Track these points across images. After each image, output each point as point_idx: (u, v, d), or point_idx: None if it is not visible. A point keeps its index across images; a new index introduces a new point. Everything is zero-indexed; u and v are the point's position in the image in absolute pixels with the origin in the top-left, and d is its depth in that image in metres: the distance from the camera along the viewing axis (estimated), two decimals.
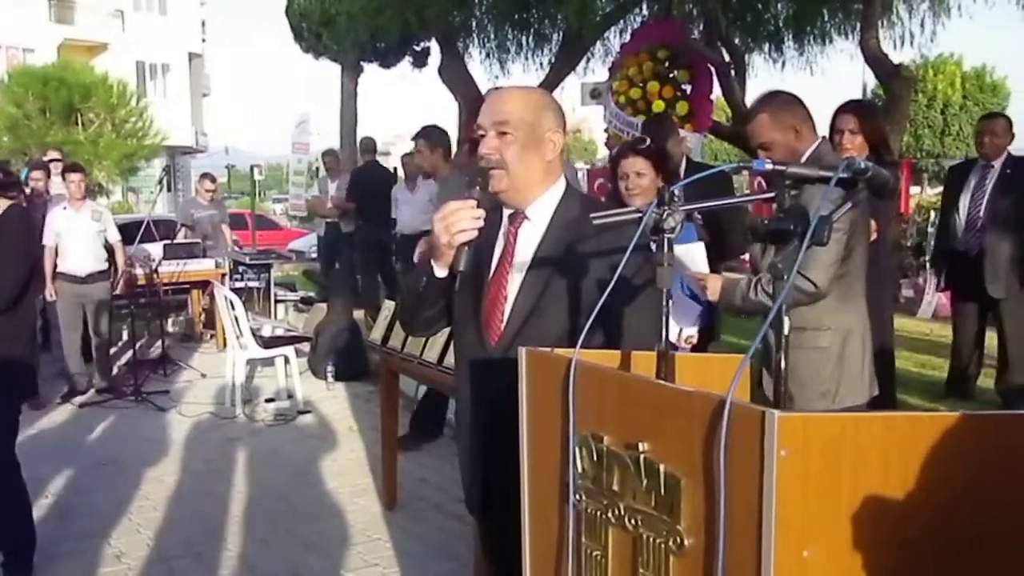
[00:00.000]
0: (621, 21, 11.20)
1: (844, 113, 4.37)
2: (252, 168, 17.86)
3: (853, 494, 1.29)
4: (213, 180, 10.48)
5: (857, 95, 26.71)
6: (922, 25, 9.69)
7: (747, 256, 4.61)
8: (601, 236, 2.04)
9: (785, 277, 1.38)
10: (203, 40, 38.88)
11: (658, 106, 8.39)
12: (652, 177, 3.61)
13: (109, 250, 7.56)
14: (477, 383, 2.21)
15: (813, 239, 1.39)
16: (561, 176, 2.22)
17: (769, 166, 1.67)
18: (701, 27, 9.94)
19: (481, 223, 2.02)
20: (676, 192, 1.63)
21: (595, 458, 1.58)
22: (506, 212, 2.23)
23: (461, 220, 2.00)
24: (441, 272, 2.12)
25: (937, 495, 1.33)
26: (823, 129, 4.08)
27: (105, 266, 7.48)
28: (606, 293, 1.64)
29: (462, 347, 2.33)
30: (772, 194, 1.61)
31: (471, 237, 2.01)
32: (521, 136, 2.11)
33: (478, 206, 2.02)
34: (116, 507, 4.83)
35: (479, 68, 26.11)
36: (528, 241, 2.18)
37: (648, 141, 4.03)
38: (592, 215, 1.84)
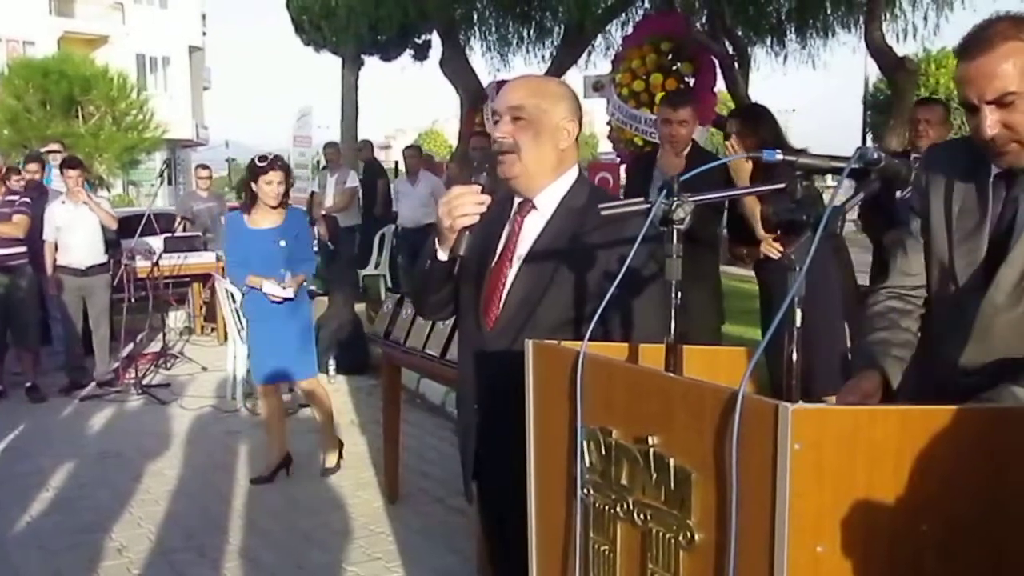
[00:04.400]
0: (623, 14, 11.17)
1: (730, 118, 4.69)
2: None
3: (868, 488, 1.27)
4: (206, 168, 10.49)
5: (860, 88, 26.67)
6: (925, 18, 9.68)
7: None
8: (603, 227, 2.03)
9: (798, 269, 1.35)
10: (203, 33, 38.77)
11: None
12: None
13: (108, 242, 7.54)
14: (473, 369, 2.24)
15: (826, 230, 1.37)
16: (574, 166, 2.23)
17: (779, 157, 1.64)
18: (704, 19, 9.91)
19: (484, 208, 2.02)
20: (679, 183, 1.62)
21: (603, 452, 1.56)
22: (516, 200, 2.23)
23: (464, 204, 2.01)
24: (443, 255, 2.13)
25: (954, 489, 1.32)
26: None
27: (105, 259, 7.47)
28: (614, 285, 1.63)
29: (462, 333, 2.37)
30: (783, 184, 1.58)
31: (472, 222, 2.02)
32: (535, 122, 2.11)
33: (483, 191, 2.02)
34: (117, 500, 4.82)
35: (480, 61, 26.10)
36: (532, 230, 2.19)
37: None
38: (600, 206, 1.82)
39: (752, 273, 4.89)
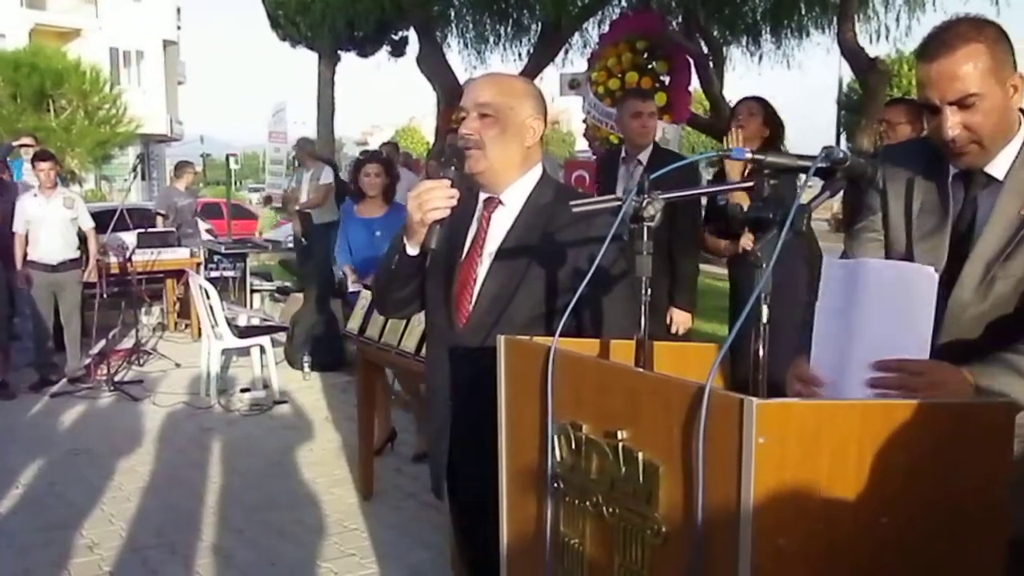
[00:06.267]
0: (599, 12, 11.21)
1: (747, 100, 4.61)
2: (228, 157, 17.70)
3: (830, 482, 1.29)
4: (190, 164, 10.41)
5: (834, 89, 26.87)
6: (898, 19, 9.79)
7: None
8: (572, 224, 2.06)
9: (764, 266, 1.38)
10: (178, 27, 38.43)
11: None
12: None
13: (82, 238, 7.49)
14: (444, 366, 2.24)
15: (792, 228, 1.39)
16: (539, 164, 2.25)
17: (748, 155, 1.67)
18: (680, 19, 9.97)
19: (454, 202, 2.04)
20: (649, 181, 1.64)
21: (574, 446, 1.58)
22: (482, 196, 2.25)
23: (434, 199, 2.02)
24: (413, 250, 2.14)
25: (915, 483, 1.34)
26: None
27: (77, 254, 7.40)
28: (584, 282, 1.65)
29: (432, 330, 2.37)
30: (751, 183, 1.61)
31: (443, 215, 2.03)
32: (501, 119, 2.13)
33: (452, 186, 2.04)
34: (89, 497, 4.78)
35: (457, 58, 26.10)
36: (500, 226, 2.21)
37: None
38: (572, 203, 1.84)
39: (722, 271, 4.94)
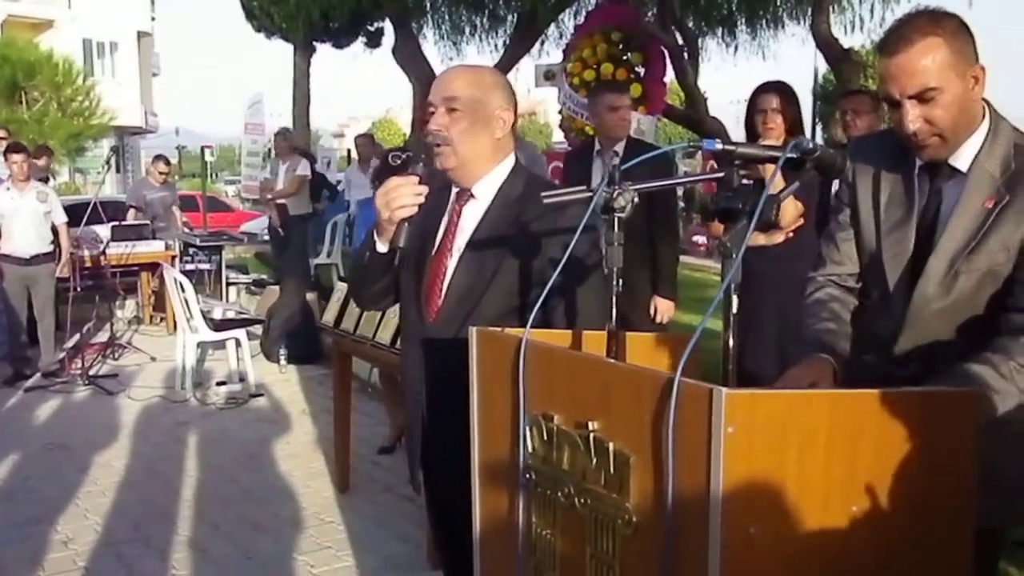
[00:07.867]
0: (575, 3, 11.19)
1: (767, 92, 4.06)
2: (203, 149, 17.57)
3: (799, 471, 1.30)
4: (167, 163, 10.33)
5: (809, 80, 26.95)
6: (872, 11, 9.83)
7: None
8: (543, 215, 2.05)
9: (734, 255, 1.38)
10: (152, 18, 38.07)
11: None
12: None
13: (55, 231, 7.41)
14: (416, 360, 2.24)
15: (761, 218, 1.40)
16: (511, 154, 2.23)
17: (719, 146, 1.67)
18: (654, 10, 9.97)
19: (422, 199, 2.03)
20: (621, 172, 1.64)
21: (546, 437, 1.58)
22: (454, 189, 2.23)
23: (402, 196, 2.01)
24: (382, 247, 2.13)
25: (882, 471, 1.36)
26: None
27: (50, 248, 7.33)
28: (556, 273, 1.65)
29: (405, 324, 2.36)
30: (722, 174, 1.61)
31: (411, 213, 2.02)
32: (470, 113, 2.11)
33: (421, 182, 2.02)
34: (63, 492, 4.74)
35: (433, 49, 25.98)
36: (471, 219, 2.19)
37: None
38: (543, 194, 1.84)
39: (698, 261, 4.97)
